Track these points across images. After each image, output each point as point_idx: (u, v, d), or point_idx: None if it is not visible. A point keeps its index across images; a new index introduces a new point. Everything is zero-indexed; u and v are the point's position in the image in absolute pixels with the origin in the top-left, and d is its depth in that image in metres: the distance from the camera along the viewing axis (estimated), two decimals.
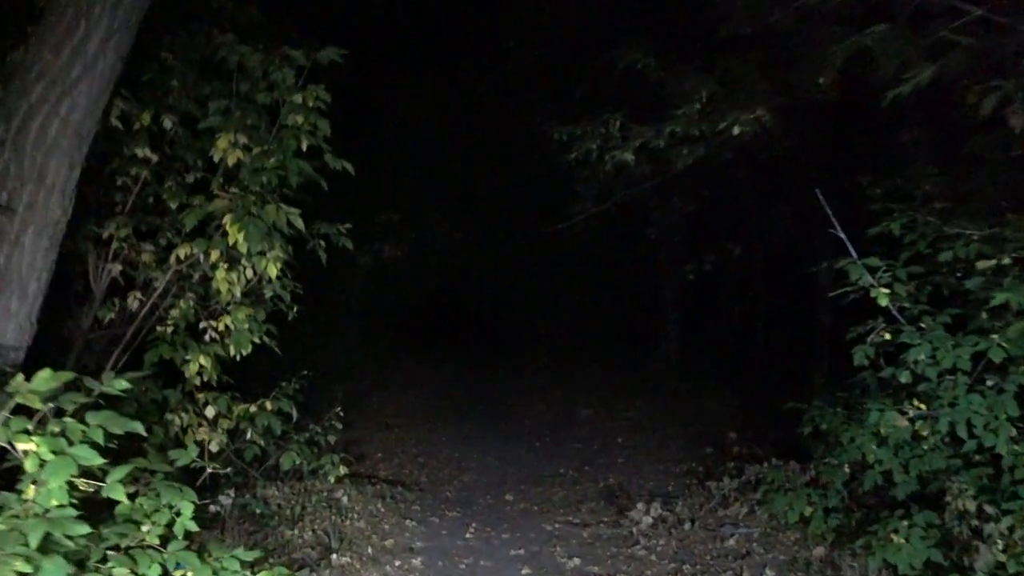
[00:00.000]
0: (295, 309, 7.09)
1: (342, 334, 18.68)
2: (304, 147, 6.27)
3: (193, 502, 4.00)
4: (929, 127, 9.69)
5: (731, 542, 7.03)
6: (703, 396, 17.25)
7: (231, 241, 5.89)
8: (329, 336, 18.83)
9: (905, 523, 5.66)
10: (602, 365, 20.69)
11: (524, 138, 18.73)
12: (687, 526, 7.50)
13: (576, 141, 10.29)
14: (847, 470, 6.71)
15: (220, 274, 6.12)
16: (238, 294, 6.30)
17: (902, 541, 5.55)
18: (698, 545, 7.08)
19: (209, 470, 5.74)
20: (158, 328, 6.27)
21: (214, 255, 6.04)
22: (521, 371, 20.05)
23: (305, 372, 7.76)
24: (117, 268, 6.26)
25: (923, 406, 6.04)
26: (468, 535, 7.64)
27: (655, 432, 12.80)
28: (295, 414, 7.32)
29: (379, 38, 14.52)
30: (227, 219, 5.89)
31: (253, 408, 6.87)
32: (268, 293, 6.74)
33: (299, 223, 6.18)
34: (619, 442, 12.06)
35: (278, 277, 6.41)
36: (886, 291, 6.17)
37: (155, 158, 6.19)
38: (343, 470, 7.77)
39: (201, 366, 6.26)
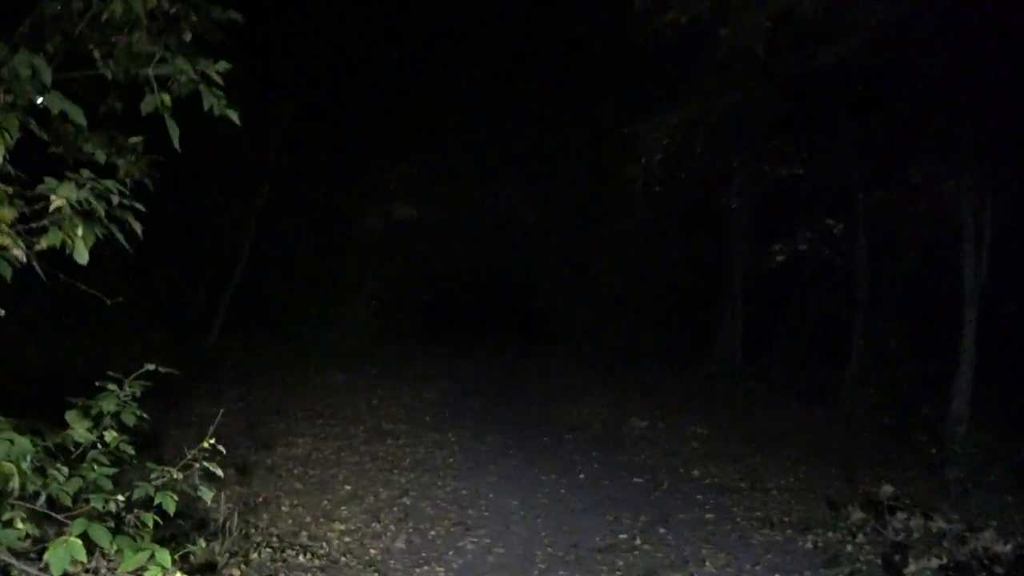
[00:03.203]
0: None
1: (347, 312, 14.96)
2: None
3: None
4: None
5: None
6: (782, 408, 13.29)
7: None
8: (330, 313, 15.13)
9: None
10: (655, 363, 16.74)
11: (576, 84, 14.92)
12: None
13: None
14: None
15: None
16: None
17: None
18: None
19: None
20: None
21: None
22: (559, 368, 16.18)
23: (154, 368, 4.00)
24: None
25: None
26: None
27: (740, 463, 8.87)
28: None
29: None
30: None
31: None
32: None
33: None
34: (695, 477, 8.14)
35: None
36: None
37: None
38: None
39: None
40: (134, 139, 4.55)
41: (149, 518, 3.59)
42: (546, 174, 16.60)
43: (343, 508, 6.15)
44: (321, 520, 5.79)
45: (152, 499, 3.55)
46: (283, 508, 6.06)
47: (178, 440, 7.95)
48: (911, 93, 9.69)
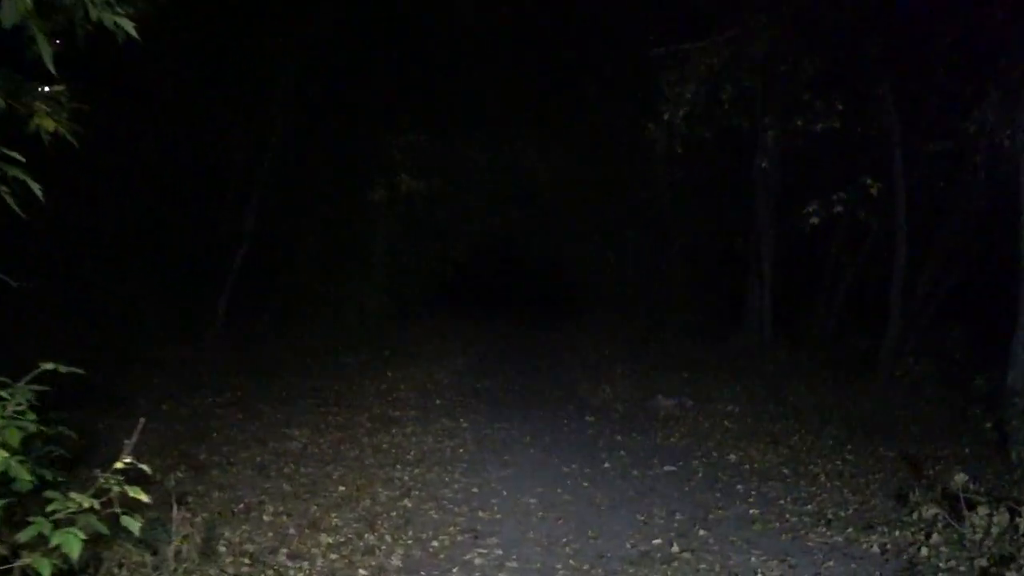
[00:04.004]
0: None
1: (358, 290, 14.08)
2: None
3: None
4: None
5: None
6: (818, 381, 12.32)
7: None
8: (340, 292, 14.27)
9: None
10: (681, 335, 15.77)
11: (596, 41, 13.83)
12: None
13: None
14: None
15: None
16: None
17: None
18: None
19: None
20: None
21: None
22: (580, 343, 15.26)
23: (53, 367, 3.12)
24: None
25: None
26: None
27: (780, 444, 7.95)
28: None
29: None
30: None
31: None
32: None
33: None
34: (732, 463, 7.23)
35: None
36: None
37: None
38: None
39: None
40: (56, 87, 3.72)
41: (44, 566, 2.71)
42: (565, 140, 15.57)
43: (334, 515, 5.29)
44: (307, 531, 4.94)
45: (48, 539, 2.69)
46: (265, 517, 5.22)
47: (168, 441, 7.17)
48: (974, 23, 8.60)
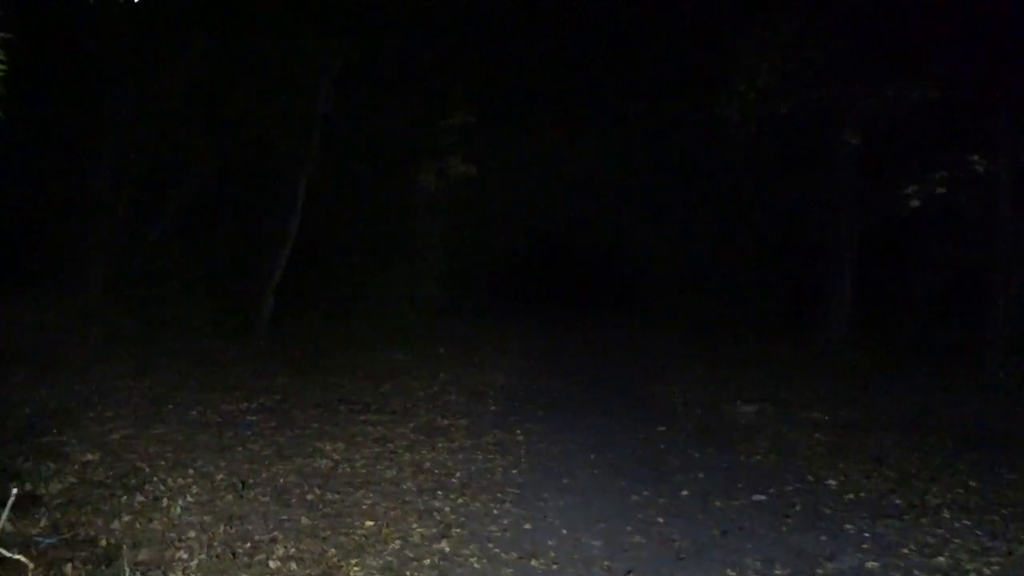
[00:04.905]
0: None
1: (410, 284, 13.13)
2: None
3: None
4: None
5: None
6: (912, 382, 10.99)
7: None
8: (392, 282, 13.33)
9: None
10: (754, 331, 14.45)
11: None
12: None
13: None
14: None
15: None
16: None
17: None
18: None
19: None
20: None
21: None
22: (645, 341, 14.05)
23: None
24: None
25: None
26: None
27: (883, 463, 6.73)
28: None
29: None
30: None
31: None
32: None
33: None
34: (832, 489, 6.02)
35: None
36: None
37: None
38: None
39: None
40: None
41: None
42: (626, 121, 14.33)
43: (354, 562, 4.29)
44: None
45: None
46: (272, 562, 4.26)
47: (185, 454, 6.31)
48: None
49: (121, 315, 11.07)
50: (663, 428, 8.02)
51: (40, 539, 4.59)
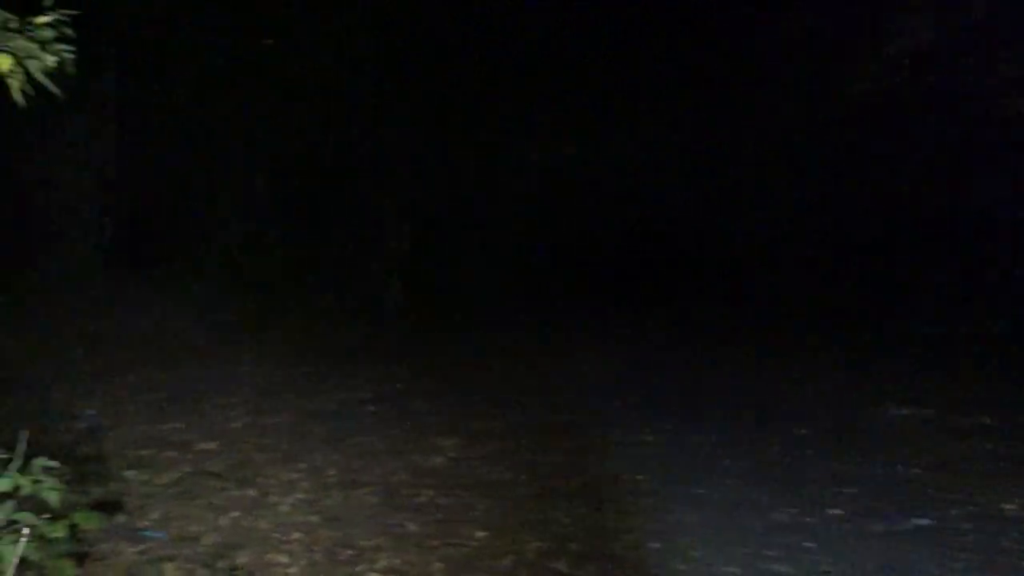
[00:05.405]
0: None
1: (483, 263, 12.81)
2: None
3: None
4: None
5: None
6: None
7: None
8: (462, 261, 13.02)
9: None
10: (902, 308, 13.04)
11: None
12: None
13: None
14: None
15: None
16: None
17: None
18: None
19: None
20: None
21: None
22: (762, 331, 12.75)
23: None
24: None
25: None
26: None
27: None
28: None
29: None
30: None
31: None
32: None
33: None
34: (1011, 516, 5.13)
35: None
36: None
37: None
38: None
39: None
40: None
41: None
42: (736, 94, 13.31)
43: None
44: None
45: None
46: (371, 575, 3.93)
47: (299, 449, 6.14)
48: None
49: (242, 301, 11.24)
50: (805, 431, 7.23)
51: (147, 533, 4.46)
